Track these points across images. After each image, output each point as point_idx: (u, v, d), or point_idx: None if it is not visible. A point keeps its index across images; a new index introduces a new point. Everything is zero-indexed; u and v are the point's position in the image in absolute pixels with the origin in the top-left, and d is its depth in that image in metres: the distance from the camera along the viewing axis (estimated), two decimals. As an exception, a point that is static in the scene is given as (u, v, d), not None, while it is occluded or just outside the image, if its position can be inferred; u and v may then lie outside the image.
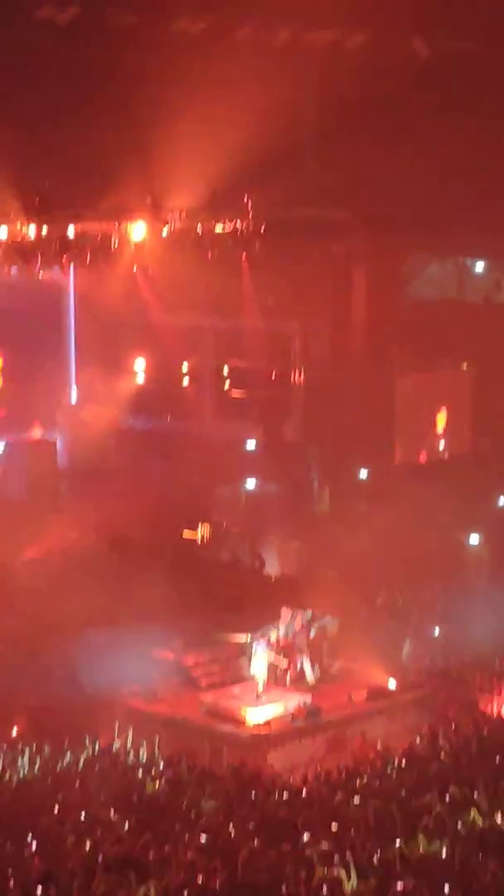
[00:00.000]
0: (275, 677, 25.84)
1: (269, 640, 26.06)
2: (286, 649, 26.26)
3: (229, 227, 31.46)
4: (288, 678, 26.03)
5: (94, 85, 28.74)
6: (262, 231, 31.74)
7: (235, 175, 30.26)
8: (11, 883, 14.98)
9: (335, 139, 32.10)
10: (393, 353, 33.66)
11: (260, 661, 25.61)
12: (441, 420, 35.98)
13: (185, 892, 14.61)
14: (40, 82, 28.23)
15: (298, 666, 26.21)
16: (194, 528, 31.39)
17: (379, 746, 22.99)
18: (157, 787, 19.65)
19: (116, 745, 23.12)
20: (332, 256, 33.49)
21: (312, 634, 26.89)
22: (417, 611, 28.82)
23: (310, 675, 26.22)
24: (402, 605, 29.00)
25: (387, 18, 30.05)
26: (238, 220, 31.64)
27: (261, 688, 25.33)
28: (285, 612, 26.91)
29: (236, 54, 29.66)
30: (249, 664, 25.83)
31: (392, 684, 25.94)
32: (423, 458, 35.78)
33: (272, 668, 25.84)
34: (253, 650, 25.83)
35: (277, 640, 26.28)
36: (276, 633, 26.39)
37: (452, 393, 36.08)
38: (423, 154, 31.28)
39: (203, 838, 16.89)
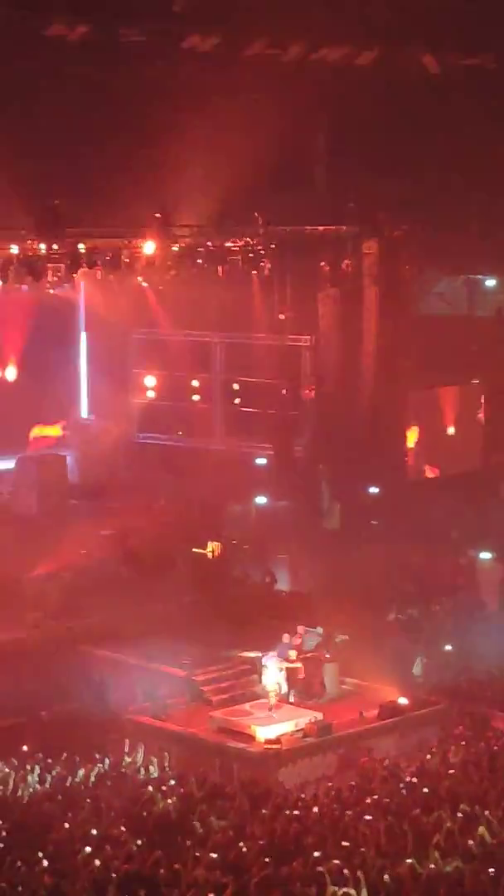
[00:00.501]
0: (286, 693, 25.79)
1: (280, 656, 26.00)
2: (298, 665, 26.21)
3: (240, 243, 31.49)
4: (296, 694, 25.97)
5: (105, 102, 28.83)
6: (272, 247, 31.76)
7: (246, 191, 30.29)
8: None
9: (346, 155, 32.14)
10: (404, 369, 33.64)
11: (271, 676, 25.56)
12: (452, 435, 35.95)
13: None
14: (51, 99, 28.31)
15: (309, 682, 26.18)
16: (205, 544, 31.37)
17: (389, 763, 22.90)
18: (167, 803, 19.57)
19: (127, 761, 23.06)
20: (343, 272, 33.48)
21: (324, 651, 26.84)
22: (429, 627, 28.77)
23: (322, 691, 26.19)
24: (414, 621, 28.94)
25: (397, 35, 30.11)
26: (249, 237, 31.67)
27: (272, 702, 25.28)
28: (297, 629, 26.87)
29: (247, 71, 29.71)
30: (260, 680, 25.77)
31: (403, 701, 25.86)
32: (434, 473, 35.73)
33: (283, 684, 25.79)
34: (264, 665, 25.78)
35: (289, 657, 26.23)
36: (288, 649, 26.34)
37: (464, 408, 36.04)
38: (434, 170, 31.31)
39: (213, 855, 16.82)
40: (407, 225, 32.26)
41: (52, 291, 31.41)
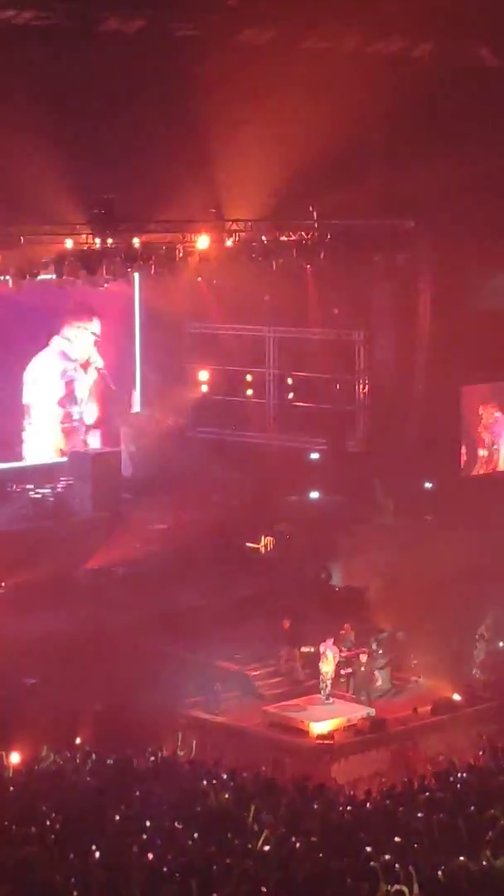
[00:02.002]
0: (340, 686, 25.76)
1: (337, 649, 25.98)
2: (351, 661, 26.16)
3: (294, 236, 31.41)
4: (351, 689, 25.92)
5: (160, 96, 28.84)
6: (326, 240, 31.64)
7: (300, 184, 30.20)
8: (75, 893, 14.95)
9: (401, 148, 31.95)
10: (458, 364, 33.40)
11: (328, 667, 25.52)
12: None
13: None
14: (105, 94, 28.36)
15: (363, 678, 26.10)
16: (258, 538, 31.35)
17: (443, 759, 22.78)
18: (220, 798, 19.55)
19: (180, 755, 23.07)
20: (397, 266, 33.31)
21: (377, 647, 26.77)
22: (484, 623, 28.58)
23: (381, 684, 26.12)
24: (468, 617, 28.77)
25: (454, 27, 29.90)
26: (302, 230, 31.58)
27: (328, 690, 25.25)
28: (351, 624, 26.82)
29: (302, 64, 29.60)
30: (318, 669, 25.73)
31: (458, 697, 25.72)
32: (489, 468, 35.45)
33: (337, 677, 25.76)
34: (323, 652, 25.71)
35: (343, 651, 26.19)
36: (343, 644, 26.29)
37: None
38: (490, 162, 31.04)
39: (266, 848, 16.79)
40: (462, 218, 31.99)
41: (105, 286, 31.45)
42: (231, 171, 29.73)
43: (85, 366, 34.71)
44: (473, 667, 27.07)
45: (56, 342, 34.20)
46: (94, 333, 34.62)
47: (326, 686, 25.46)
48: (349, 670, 26.04)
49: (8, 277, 28.71)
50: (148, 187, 29.35)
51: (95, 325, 34.71)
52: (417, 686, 26.56)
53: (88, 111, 28.42)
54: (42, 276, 29.41)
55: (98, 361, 34.90)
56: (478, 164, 31.07)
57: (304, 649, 27.25)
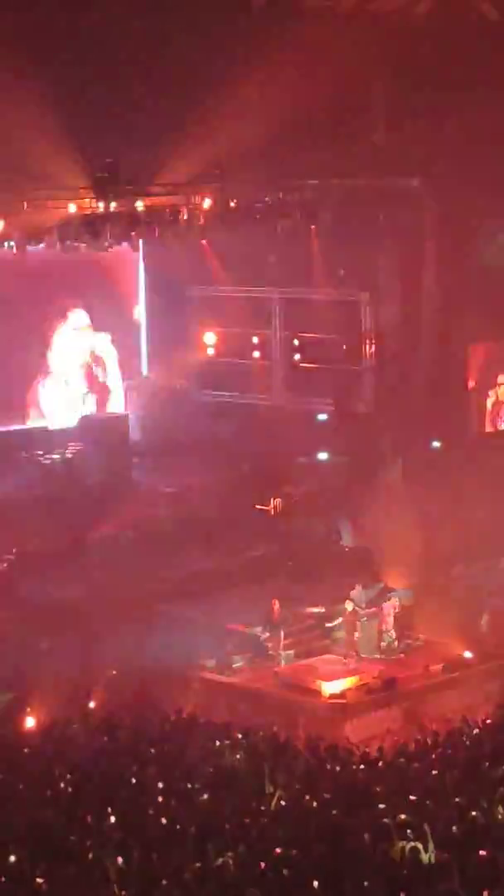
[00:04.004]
0: (352, 645, 25.88)
1: (347, 610, 26.08)
2: (363, 619, 26.25)
3: (298, 197, 31.26)
4: (363, 648, 26.01)
5: (161, 56, 28.66)
6: (330, 201, 31.49)
7: (304, 144, 30.04)
8: (90, 855, 15.07)
9: (403, 106, 31.73)
10: (465, 323, 33.30)
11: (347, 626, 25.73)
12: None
13: (263, 863, 14.61)
14: (107, 55, 28.18)
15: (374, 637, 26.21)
16: (267, 500, 31.38)
17: (455, 717, 22.86)
18: (234, 758, 19.66)
19: (193, 717, 23.17)
20: (402, 225, 33.14)
21: (388, 606, 26.83)
22: (493, 581, 28.64)
23: (387, 646, 26.22)
24: (478, 575, 28.84)
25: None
26: (306, 191, 31.43)
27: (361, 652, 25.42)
28: (361, 584, 26.88)
29: (304, 21, 29.38)
30: (330, 630, 25.86)
31: (469, 655, 25.80)
32: (496, 427, 35.41)
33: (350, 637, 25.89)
34: (357, 603, 25.88)
35: (355, 610, 26.28)
36: (354, 603, 26.37)
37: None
38: (493, 118, 30.85)
39: (280, 809, 16.89)
40: (467, 175, 31.79)
41: (109, 250, 31.36)
42: (233, 132, 29.55)
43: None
44: (483, 624, 27.11)
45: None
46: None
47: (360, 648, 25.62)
48: (360, 629, 26.11)
49: (12, 243, 28.62)
50: (150, 150, 29.20)
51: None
52: (429, 644, 26.62)
53: (88, 74, 28.24)
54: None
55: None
56: (481, 121, 30.88)
57: (315, 610, 27.34)
